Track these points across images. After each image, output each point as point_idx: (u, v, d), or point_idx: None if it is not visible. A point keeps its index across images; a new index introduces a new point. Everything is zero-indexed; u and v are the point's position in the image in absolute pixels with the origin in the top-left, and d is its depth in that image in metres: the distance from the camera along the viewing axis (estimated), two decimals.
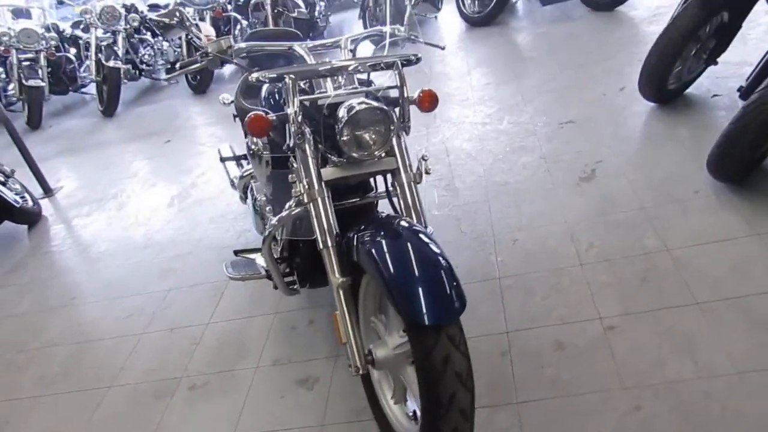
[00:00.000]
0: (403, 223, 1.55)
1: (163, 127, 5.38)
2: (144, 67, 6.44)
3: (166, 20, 1.88)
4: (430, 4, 2.11)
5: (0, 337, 2.86)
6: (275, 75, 1.62)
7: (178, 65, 1.99)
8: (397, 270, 1.39)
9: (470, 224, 2.68)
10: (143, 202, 3.93)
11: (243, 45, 1.90)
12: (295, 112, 1.59)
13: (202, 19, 5.85)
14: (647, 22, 4.46)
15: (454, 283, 1.37)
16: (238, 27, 6.13)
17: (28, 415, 2.26)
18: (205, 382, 2.21)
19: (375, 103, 1.57)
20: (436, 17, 6.45)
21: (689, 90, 3.20)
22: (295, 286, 2.10)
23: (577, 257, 2.28)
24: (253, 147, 2.20)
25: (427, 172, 1.76)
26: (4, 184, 3.83)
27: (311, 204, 1.64)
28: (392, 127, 1.61)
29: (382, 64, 1.68)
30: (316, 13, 6.44)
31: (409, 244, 1.44)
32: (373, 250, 1.45)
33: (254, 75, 1.65)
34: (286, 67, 1.66)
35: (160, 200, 3.88)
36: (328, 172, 1.66)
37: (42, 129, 6.42)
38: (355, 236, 1.57)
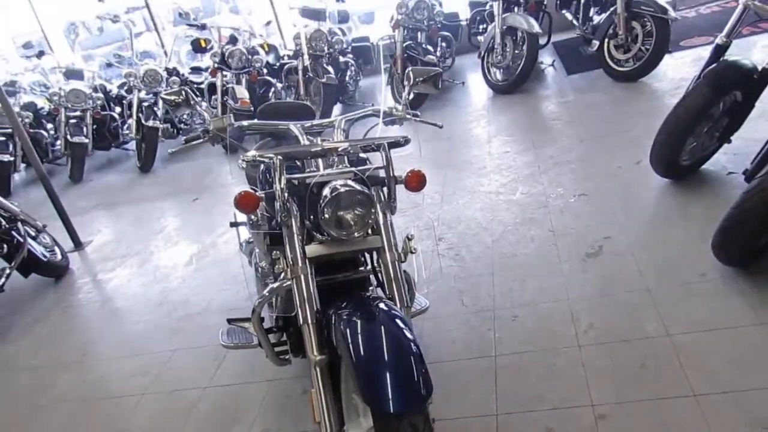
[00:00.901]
0: (381, 305, 1.56)
1: (193, 185, 5.57)
2: (182, 126, 6.75)
3: (173, 98, 1.99)
4: (430, 84, 2.16)
5: (11, 389, 2.94)
6: (263, 157, 1.69)
7: (183, 139, 2.09)
8: (365, 354, 1.39)
9: (473, 297, 2.66)
10: (164, 259, 4.05)
11: (245, 123, 2.00)
12: (281, 190, 1.65)
13: (238, 83, 6.13)
14: (669, 95, 4.46)
15: (422, 371, 1.36)
16: (272, 90, 6.39)
17: None
18: None
19: (358, 186, 1.61)
20: (463, 83, 6.60)
21: (705, 166, 3.16)
22: (287, 356, 2.11)
23: (575, 338, 2.22)
24: (253, 218, 2.27)
25: (411, 252, 1.78)
26: (34, 238, 4.01)
27: (294, 280, 1.68)
28: (373, 210, 1.65)
29: (372, 146, 1.74)
30: (347, 78, 6.67)
31: (382, 328, 1.45)
32: (348, 331, 1.46)
33: (243, 158, 1.73)
34: (276, 149, 1.73)
35: (180, 258, 3.98)
36: (313, 249, 1.70)
37: (83, 183, 6.73)
38: (334, 315, 1.59)
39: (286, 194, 1.66)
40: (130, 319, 3.37)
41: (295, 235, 1.70)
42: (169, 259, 4.03)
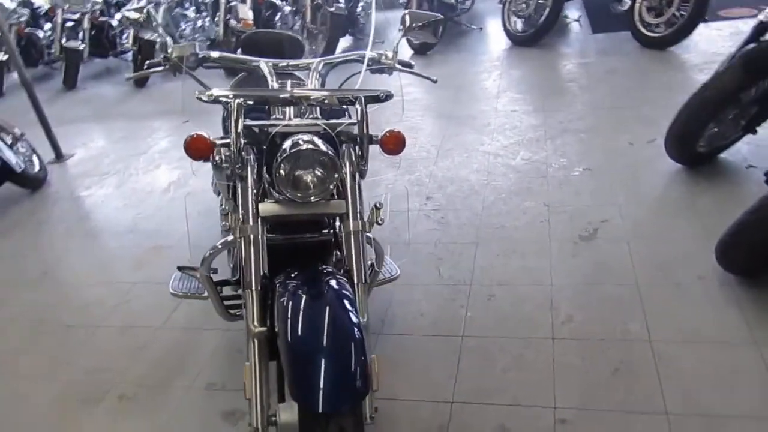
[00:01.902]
0: (332, 282, 1.39)
1: (187, 106, 5.32)
2: (182, 42, 6.41)
3: (135, 17, 1.75)
4: (429, 32, 1.90)
5: None
6: (221, 97, 1.48)
7: (146, 64, 1.86)
8: (300, 338, 1.23)
9: (450, 268, 2.49)
10: (143, 183, 3.87)
11: (214, 54, 1.77)
12: (237, 135, 1.45)
13: (243, 1, 5.75)
14: (698, 69, 4.13)
15: (362, 365, 1.20)
16: (279, 14, 6.01)
17: None
18: (135, 394, 2.09)
19: (323, 146, 1.40)
20: (480, 29, 6.23)
21: (723, 155, 2.91)
22: (239, 312, 1.95)
23: (551, 329, 2.06)
24: (216, 158, 2.06)
25: (378, 223, 1.58)
26: (11, 146, 3.82)
27: (242, 240, 1.49)
28: (336, 175, 1.44)
29: (347, 99, 1.52)
30: (358, 9, 6.26)
31: (326, 310, 1.28)
32: (288, 308, 1.30)
33: (197, 94, 1.51)
34: (235, 89, 1.51)
35: (158, 184, 3.80)
36: (266, 208, 1.50)
37: (77, 90, 6.47)
38: (280, 285, 1.42)
39: (242, 141, 1.46)
40: (98, 243, 3.23)
41: (250, 190, 1.51)
42: (147, 184, 3.85)
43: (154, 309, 2.54)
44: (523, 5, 5.31)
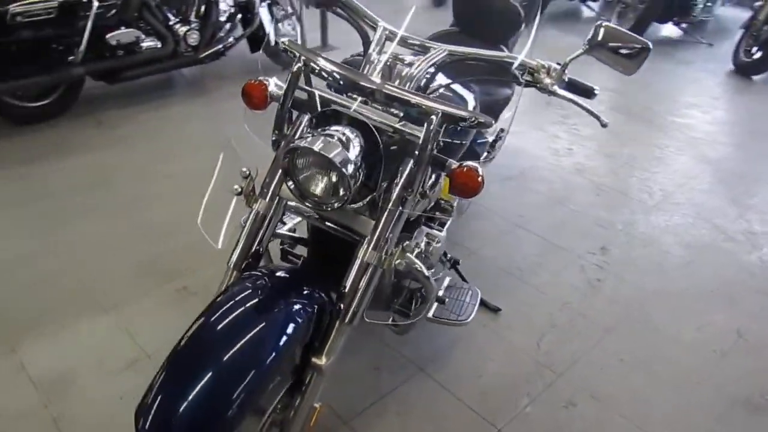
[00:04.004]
0: (295, 305, 1.15)
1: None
2: None
3: None
4: (623, 59, 1.36)
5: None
6: (290, 48, 1.26)
7: None
8: (188, 346, 1.04)
9: (556, 344, 1.99)
10: None
11: None
12: (285, 96, 1.24)
13: None
14: None
15: (233, 413, 0.97)
16: None
17: None
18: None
19: (338, 159, 1.10)
20: (710, 44, 5.19)
21: None
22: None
23: None
24: None
25: (398, 266, 1.25)
26: (278, 21, 4.12)
27: (252, 212, 1.32)
28: (345, 196, 1.15)
29: (421, 106, 1.17)
30: None
31: (249, 329, 1.07)
32: (214, 304, 1.11)
33: (284, 39, 1.31)
34: (308, 49, 1.27)
35: None
36: (288, 192, 1.27)
37: None
38: (246, 273, 1.24)
39: (288, 104, 1.25)
40: None
41: (280, 161, 1.30)
42: None
43: None
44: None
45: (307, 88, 1.29)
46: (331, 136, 1.13)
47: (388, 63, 1.32)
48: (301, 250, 1.76)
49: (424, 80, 1.35)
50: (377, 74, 1.27)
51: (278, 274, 1.24)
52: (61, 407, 1.66)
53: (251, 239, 1.32)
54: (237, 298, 1.13)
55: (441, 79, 1.45)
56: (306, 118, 1.31)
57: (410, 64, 1.33)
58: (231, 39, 3.91)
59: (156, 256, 2.29)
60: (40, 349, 1.85)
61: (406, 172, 1.22)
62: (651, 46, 1.34)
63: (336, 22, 2.33)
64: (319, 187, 1.19)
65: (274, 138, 1.30)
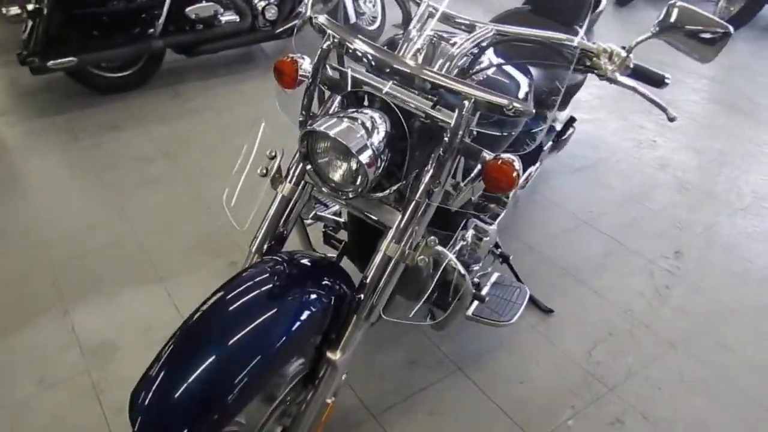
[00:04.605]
0: (311, 294, 1.11)
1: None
2: None
3: None
4: (700, 45, 1.19)
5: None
6: (321, 24, 1.19)
7: None
8: (188, 335, 1.02)
9: (609, 356, 1.83)
10: None
11: None
12: (315, 73, 1.18)
13: None
14: None
15: (234, 397, 0.95)
16: None
17: None
18: None
19: (355, 146, 1.03)
20: None
21: None
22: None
23: None
24: None
25: (419, 263, 1.17)
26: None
27: (276, 195, 1.28)
28: (363, 185, 1.08)
29: (452, 89, 1.08)
30: None
31: (258, 316, 1.03)
32: (217, 292, 1.08)
33: (318, 16, 1.24)
34: (342, 27, 1.19)
35: None
36: (313, 176, 1.23)
37: None
38: (267, 257, 1.20)
39: (317, 83, 1.20)
40: None
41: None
42: None
43: None
44: None
45: (338, 67, 1.22)
46: (355, 119, 1.06)
47: (433, 41, 1.22)
48: (344, 235, 1.72)
49: (468, 61, 1.25)
50: (413, 55, 1.18)
51: (299, 260, 1.20)
52: (102, 374, 1.72)
53: (275, 223, 1.29)
54: (250, 282, 1.10)
55: (489, 60, 1.33)
56: (338, 98, 1.25)
57: (454, 44, 1.23)
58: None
59: (214, 229, 2.32)
60: (91, 314, 1.93)
61: (435, 161, 1.13)
62: (732, 31, 1.17)
63: None
64: (337, 174, 1.13)
65: (301, 119, 1.25)
